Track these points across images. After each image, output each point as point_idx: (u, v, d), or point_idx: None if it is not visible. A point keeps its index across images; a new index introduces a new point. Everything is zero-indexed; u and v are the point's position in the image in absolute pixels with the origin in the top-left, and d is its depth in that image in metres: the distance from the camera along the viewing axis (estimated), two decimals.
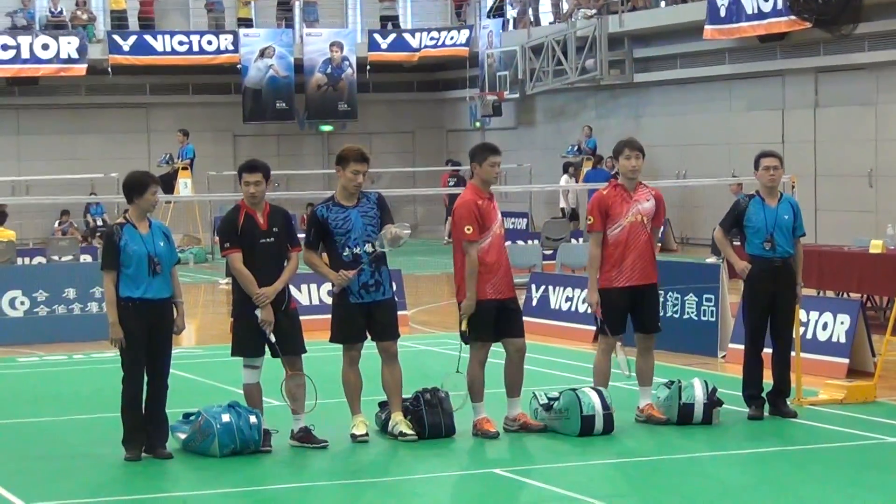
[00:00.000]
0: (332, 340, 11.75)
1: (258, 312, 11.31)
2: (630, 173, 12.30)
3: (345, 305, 11.59)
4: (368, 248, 11.52)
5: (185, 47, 38.58)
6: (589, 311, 12.21)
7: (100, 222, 36.19)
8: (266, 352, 11.51)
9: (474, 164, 11.81)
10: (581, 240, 26.23)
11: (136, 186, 11.10)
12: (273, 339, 11.37)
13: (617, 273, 12.17)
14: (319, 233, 11.60)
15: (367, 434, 11.60)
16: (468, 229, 11.59)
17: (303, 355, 11.59)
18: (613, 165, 33.12)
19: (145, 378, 11.09)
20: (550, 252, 24.80)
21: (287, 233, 11.57)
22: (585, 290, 18.35)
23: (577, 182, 33.61)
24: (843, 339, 14.83)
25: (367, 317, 11.60)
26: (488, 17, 40.49)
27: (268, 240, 11.40)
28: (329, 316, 11.80)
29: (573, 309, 18.47)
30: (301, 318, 11.78)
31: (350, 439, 11.56)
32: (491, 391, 11.86)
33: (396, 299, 12.14)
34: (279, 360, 11.47)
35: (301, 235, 11.79)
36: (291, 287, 11.87)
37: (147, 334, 10.99)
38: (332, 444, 11.45)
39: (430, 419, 11.68)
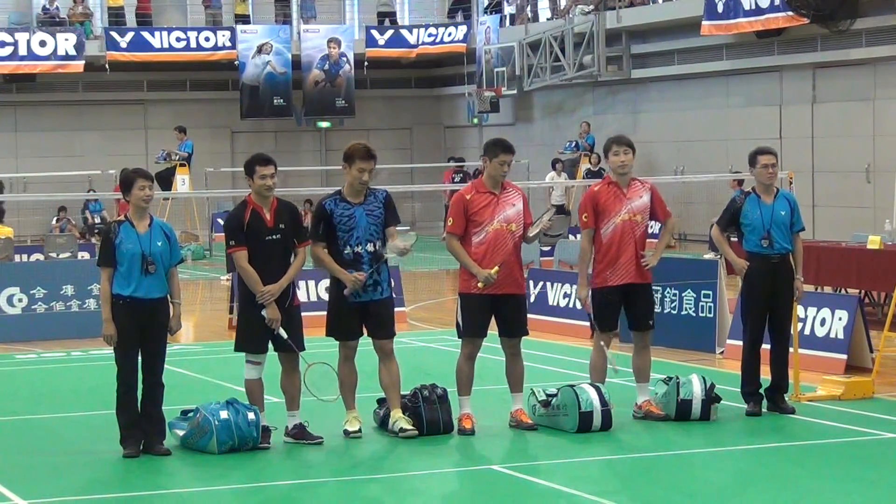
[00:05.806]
0: (327, 334, 11.74)
1: (264, 312, 11.24)
2: (620, 168, 12.20)
3: (341, 301, 11.53)
4: (370, 247, 11.47)
5: (182, 44, 38.57)
6: (579, 306, 12.25)
7: (98, 219, 36.16)
8: (269, 348, 11.44)
9: (485, 157, 11.80)
10: (579, 236, 26.13)
11: (124, 183, 11.18)
12: (285, 335, 11.29)
13: (611, 272, 12.14)
14: (327, 227, 11.50)
15: (359, 431, 11.56)
16: (449, 221, 11.78)
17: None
18: (599, 161, 33.06)
19: (140, 376, 11.09)
20: (548, 248, 24.78)
21: (294, 228, 11.47)
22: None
23: (564, 179, 33.43)
24: (841, 335, 14.82)
25: (362, 314, 11.56)
26: (486, 13, 40.48)
27: (274, 237, 11.31)
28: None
29: (571, 305, 18.46)
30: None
31: (343, 435, 11.54)
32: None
33: (394, 296, 12.10)
34: (276, 355, 11.47)
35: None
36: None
37: (140, 332, 11.00)
38: (328, 440, 11.43)
39: (429, 415, 11.66)
